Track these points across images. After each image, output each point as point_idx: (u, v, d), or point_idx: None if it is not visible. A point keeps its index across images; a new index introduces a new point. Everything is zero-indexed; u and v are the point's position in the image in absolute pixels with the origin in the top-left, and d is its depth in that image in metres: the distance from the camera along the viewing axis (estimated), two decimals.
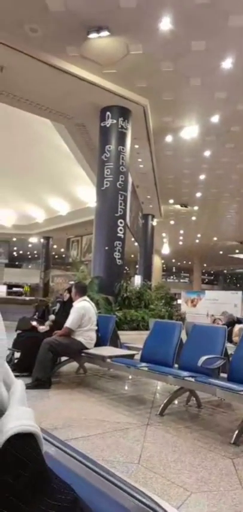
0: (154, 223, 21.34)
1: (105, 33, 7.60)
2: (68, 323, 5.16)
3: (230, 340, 6.76)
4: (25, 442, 0.29)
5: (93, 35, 7.68)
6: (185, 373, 4.05)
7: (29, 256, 44.16)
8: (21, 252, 41.15)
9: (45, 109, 10.55)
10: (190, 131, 11.74)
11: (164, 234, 26.53)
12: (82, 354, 5.23)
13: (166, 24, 7.41)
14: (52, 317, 5.84)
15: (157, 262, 28.77)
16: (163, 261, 35.45)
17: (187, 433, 3.55)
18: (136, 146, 12.08)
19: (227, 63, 8.46)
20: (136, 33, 7.73)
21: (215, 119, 10.95)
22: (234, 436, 3.37)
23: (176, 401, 4.54)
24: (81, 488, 0.33)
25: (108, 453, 2.96)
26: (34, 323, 5.93)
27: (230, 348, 4.78)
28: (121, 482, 0.42)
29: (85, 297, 5.57)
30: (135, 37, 7.86)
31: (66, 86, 9.31)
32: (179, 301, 26.47)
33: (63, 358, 5.54)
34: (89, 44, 8.06)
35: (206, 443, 3.34)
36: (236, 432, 3.40)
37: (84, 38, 7.83)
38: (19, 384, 0.33)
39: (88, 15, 7.29)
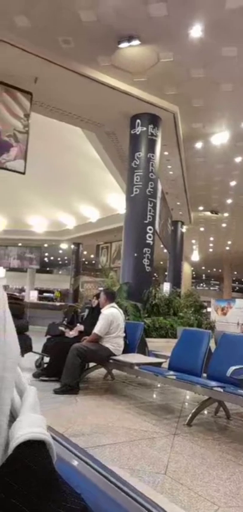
0: (184, 230, 21.15)
1: (135, 42, 7.67)
2: (96, 329, 5.18)
3: None
4: (35, 449, 0.29)
5: (124, 44, 7.77)
6: (214, 383, 3.97)
7: (60, 262, 44.88)
8: (52, 258, 41.89)
9: (76, 118, 10.74)
10: (221, 137, 11.59)
11: (193, 241, 26.22)
12: (110, 361, 5.23)
13: (196, 31, 7.39)
14: (81, 327, 5.86)
15: (186, 269, 28.47)
16: (192, 268, 35.04)
17: (215, 445, 3.47)
18: (166, 153, 12.05)
19: None
20: (167, 41, 7.75)
21: None
22: None
23: (205, 412, 4.46)
24: (92, 497, 0.33)
25: (134, 462, 2.93)
26: (62, 328, 5.99)
27: None
28: (134, 493, 0.42)
29: (114, 304, 5.58)
30: (166, 45, 7.88)
31: (97, 95, 9.45)
32: (209, 309, 26.05)
33: (91, 364, 5.57)
34: (120, 53, 8.15)
35: (235, 456, 3.25)
36: None
37: (115, 47, 7.93)
38: (32, 391, 0.34)
39: (119, 25, 7.38)
